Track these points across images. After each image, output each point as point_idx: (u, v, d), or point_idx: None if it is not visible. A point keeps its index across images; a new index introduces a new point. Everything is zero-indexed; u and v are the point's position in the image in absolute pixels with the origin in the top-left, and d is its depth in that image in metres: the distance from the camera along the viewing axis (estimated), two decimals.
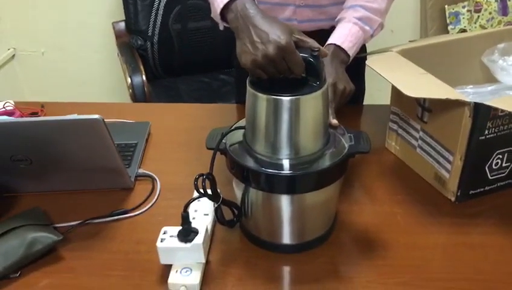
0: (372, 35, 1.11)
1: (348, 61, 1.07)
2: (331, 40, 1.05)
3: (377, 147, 1.12)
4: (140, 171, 1.05)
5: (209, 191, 0.79)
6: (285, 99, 0.73)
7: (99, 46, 2.39)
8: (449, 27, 2.19)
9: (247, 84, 0.77)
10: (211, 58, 2.19)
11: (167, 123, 1.27)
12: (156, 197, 0.99)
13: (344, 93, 1.01)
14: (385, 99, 1.13)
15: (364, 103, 1.41)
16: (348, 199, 0.96)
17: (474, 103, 0.84)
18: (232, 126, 0.84)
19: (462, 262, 0.83)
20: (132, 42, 2.11)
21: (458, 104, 0.86)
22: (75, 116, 0.82)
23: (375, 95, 1.44)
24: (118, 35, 2.19)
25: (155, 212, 0.96)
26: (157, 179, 1.03)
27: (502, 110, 0.85)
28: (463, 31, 2.19)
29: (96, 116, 0.82)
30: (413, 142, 1.02)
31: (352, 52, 1.06)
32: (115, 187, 1.01)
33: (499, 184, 0.96)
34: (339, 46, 1.04)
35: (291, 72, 0.76)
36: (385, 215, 0.94)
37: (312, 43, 0.77)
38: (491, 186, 0.95)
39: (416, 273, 0.81)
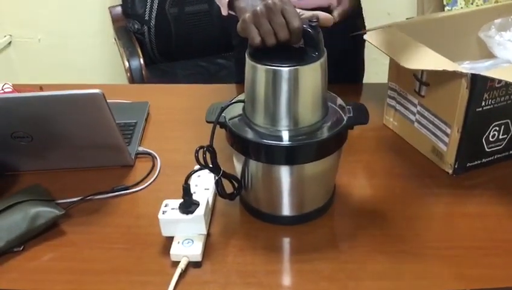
0: None
1: None
2: None
3: (375, 123, 1.12)
4: (141, 149, 1.06)
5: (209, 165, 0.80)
6: (284, 69, 0.74)
7: (96, 31, 2.38)
8: (446, 8, 2.19)
9: (246, 57, 0.77)
10: (208, 42, 2.18)
11: (166, 103, 1.27)
12: (156, 174, 1.00)
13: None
14: (383, 82, 1.13)
15: None
16: (346, 173, 0.97)
17: (471, 74, 0.85)
18: (231, 100, 0.84)
19: (459, 231, 0.85)
20: (129, 26, 2.10)
21: (455, 76, 0.87)
22: (75, 90, 0.83)
23: (373, 78, 1.44)
24: (115, 19, 2.18)
25: (156, 188, 0.96)
26: (157, 156, 1.04)
27: (499, 81, 0.85)
28: None
29: (96, 90, 0.83)
30: (411, 116, 1.03)
31: None
32: (115, 165, 1.01)
33: (496, 156, 0.97)
34: None
35: (287, 33, 0.73)
36: (383, 188, 0.95)
37: (311, 15, 0.77)
38: (488, 159, 0.96)
39: (415, 242, 0.82)
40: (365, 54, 1.39)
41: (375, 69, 1.48)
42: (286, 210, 0.86)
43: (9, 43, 2.46)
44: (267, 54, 0.76)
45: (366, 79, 1.45)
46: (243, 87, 0.82)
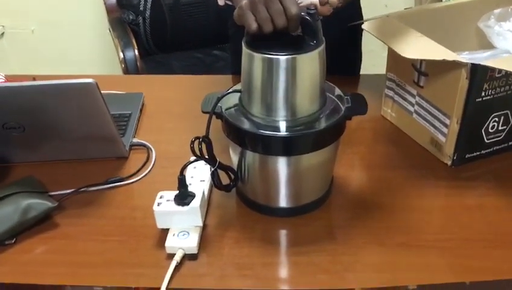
0: None
1: None
2: None
3: (373, 114, 1.10)
4: (135, 140, 1.04)
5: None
6: (282, 58, 0.72)
7: (90, 22, 2.36)
8: None
9: (243, 45, 0.76)
10: (203, 33, 2.16)
11: (161, 94, 1.25)
12: (151, 165, 0.98)
13: None
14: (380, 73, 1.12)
15: None
16: (344, 164, 0.95)
17: (471, 64, 0.84)
18: (227, 90, 0.83)
19: (459, 223, 0.84)
20: (124, 17, 2.07)
21: (455, 66, 0.86)
22: (68, 80, 0.81)
23: (371, 70, 1.43)
24: (109, 10, 2.14)
25: (151, 180, 0.95)
26: (152, 148, 1.03)
27: (499, 71, 0.84)
28: None
29: (89, 80, 0.81)
30: (409, 107, 1.01)
31: None
32: (109, 156, 1.00)
33: (495, 148, 0.96)
34: None
35: (285, 20, 0.71)
36: (381, 180, 0.94)
37: (309, 3, 0.76)
38: (487, 150, 0.95)
39: (414, 234, 0.81)
40: (362, 46, 1.37)
41: (373, 61, 1.46)
42: (283, 202, 0.84)
43: (2, 34, 2.43)
44: (264, 42, 0.74)
45: (364, 71, 1.43)
46: (239, 79, 0.80)
